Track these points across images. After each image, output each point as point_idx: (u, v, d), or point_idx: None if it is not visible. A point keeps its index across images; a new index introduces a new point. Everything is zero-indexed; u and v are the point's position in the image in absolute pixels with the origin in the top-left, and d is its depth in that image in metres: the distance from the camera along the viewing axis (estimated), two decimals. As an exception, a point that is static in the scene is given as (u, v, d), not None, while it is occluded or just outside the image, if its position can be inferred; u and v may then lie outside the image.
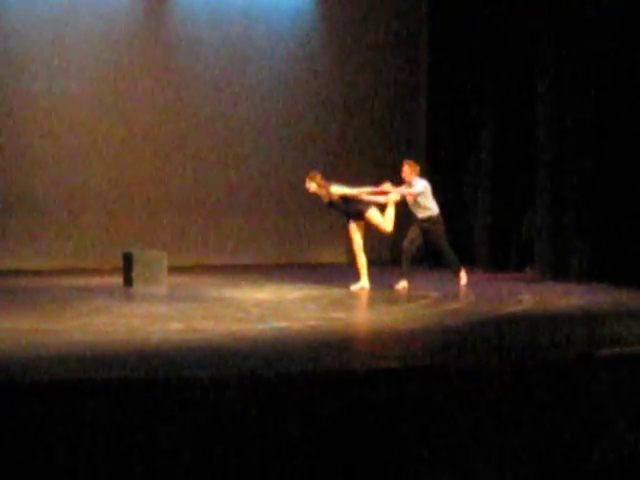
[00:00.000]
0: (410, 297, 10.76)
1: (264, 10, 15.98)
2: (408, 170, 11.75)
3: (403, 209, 11.87)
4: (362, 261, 11.54)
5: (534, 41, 12.99)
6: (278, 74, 16.10)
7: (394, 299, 10.70)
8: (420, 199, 11.68)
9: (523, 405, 5.90)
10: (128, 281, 11.96)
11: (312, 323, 8.35)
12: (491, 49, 14.33)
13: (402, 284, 11.61)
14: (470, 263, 14.21)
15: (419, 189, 11.62)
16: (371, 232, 11.84)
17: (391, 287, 11.52)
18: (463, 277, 11.96)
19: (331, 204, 11.58)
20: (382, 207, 11.58)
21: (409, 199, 11.71)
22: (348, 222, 11.62)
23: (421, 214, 11.75)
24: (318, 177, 11.48)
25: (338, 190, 11.43)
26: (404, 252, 11.77)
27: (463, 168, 15.09)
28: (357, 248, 11.58)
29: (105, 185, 15.08)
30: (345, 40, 16.36)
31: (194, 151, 15.62)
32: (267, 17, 16.01)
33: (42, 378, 5.59)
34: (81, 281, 12.59)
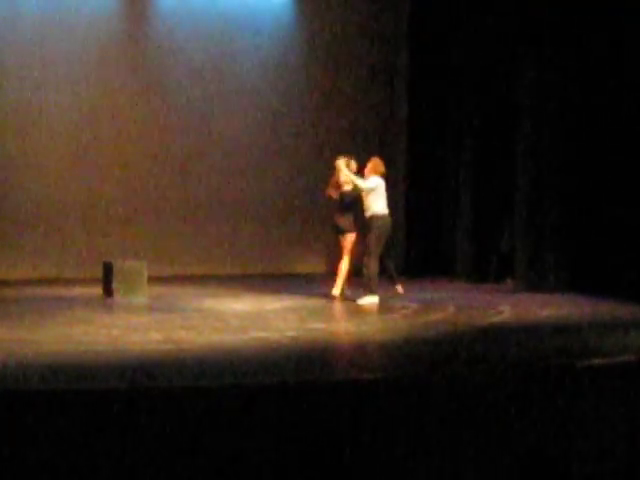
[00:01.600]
0: (390, 308, 10.76)
1: (245, 17, 15.99)
2: (370, 167, 11.30)
3: None
4: (344, 268, 11.56)
5: (515, 54, 13.02)
6: (259, 84, 16.09)
7: (374, 309, 10.70)
8: (368, 197, 11.17)
9: (503, 416, 5.91)
10: (108, 291, 11.91)
11: (291, 334, 8.34)
12: (471, 61, 14.38)
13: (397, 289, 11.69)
14: (451, 274, 14.27)
15: (370, 185, 11.12)
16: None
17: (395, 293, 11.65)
18: (399, 288, 11.89)
19: (342, 198, 11.50)
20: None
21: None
22: (342, 235, 11.68)
23: (367, 213, 11.21)
24: (346, 161, 11.44)
25: (348, 176, 11.40)
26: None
27: (444, 181, 15.09)
28: (346, 258, 11.63)
29: (85, 195, 15.04)
30: (325, 47, 16.36)
31: (174, 162, 15.60)
32: (248, 24, 16.01)
33: (21, 388, 5.56)
34: (61, 291, 12.55)
